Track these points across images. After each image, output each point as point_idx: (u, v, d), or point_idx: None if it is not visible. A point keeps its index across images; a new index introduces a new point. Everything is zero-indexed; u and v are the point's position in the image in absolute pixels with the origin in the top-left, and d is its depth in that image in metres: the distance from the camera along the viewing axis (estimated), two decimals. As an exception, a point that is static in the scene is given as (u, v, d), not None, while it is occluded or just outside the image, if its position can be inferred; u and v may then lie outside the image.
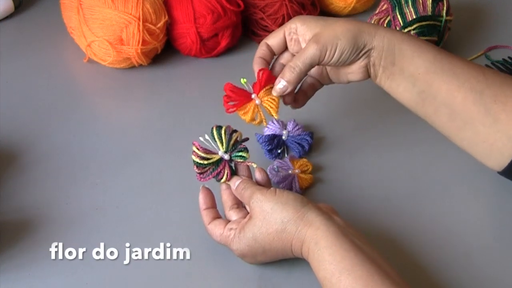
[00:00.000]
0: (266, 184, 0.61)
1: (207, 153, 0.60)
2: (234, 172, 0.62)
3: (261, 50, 0.65)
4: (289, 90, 0.62)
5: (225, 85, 0.62)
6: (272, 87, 0.62)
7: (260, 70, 0.62)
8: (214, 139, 0.61)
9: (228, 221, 0.59)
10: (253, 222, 0.56)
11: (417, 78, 0.61)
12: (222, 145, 0.61)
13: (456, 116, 0.61)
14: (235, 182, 0.60)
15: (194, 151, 0.60)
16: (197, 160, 0.60)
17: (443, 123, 0.63)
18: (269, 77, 0.62)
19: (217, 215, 0.60)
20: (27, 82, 0.84)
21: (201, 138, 0.60)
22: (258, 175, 0.62)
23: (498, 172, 0.63)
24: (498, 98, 0.60)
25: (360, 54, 0.61)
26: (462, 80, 0.61)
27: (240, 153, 0.61)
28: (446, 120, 0.62)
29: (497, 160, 0.61)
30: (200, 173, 0.60)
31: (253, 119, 0.62)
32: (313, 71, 0.67)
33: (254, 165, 0.62)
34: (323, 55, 0.60)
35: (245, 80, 0.62)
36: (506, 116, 0.60)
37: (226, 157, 0.61)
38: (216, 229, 0.58)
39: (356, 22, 0.61)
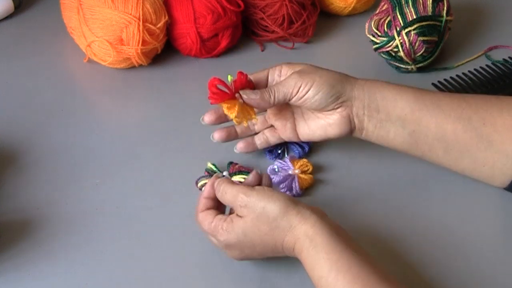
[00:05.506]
0: None
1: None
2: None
3: None
4: (253, 104, 0.62)
5: (210, 80, 0.62)
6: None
7: (240, 73, 0.63)
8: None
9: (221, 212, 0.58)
10: (244, 220, 0.55)
11: (405, 119, 0.62)
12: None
13: (451, 148, 0.62)
14: (216, 183, 0.58)
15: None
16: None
17: (440, 158, 0.64)
18: (246, 81, 0.63)
19: (213, 207, 0.59)
20: (27, 82, 0.84)
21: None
22: (263, 181, 0.59)
23: (504, 188, 0.64)
24: (487, 121, 0.61)
25: (339, 101, 0.62)
26: (448, 111, 0.62)
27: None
28: (443, 154, 0.63)
29: (501, 179, 0.63)
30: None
31: (237, 116, 0.63)
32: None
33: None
34: (298, 86, 0.61)
35: (231, 77, 0.62)
36: (499, 136, 0.61)
37: None
38: (208, 217, 0.57)
39: (339, 73, 0.64)
